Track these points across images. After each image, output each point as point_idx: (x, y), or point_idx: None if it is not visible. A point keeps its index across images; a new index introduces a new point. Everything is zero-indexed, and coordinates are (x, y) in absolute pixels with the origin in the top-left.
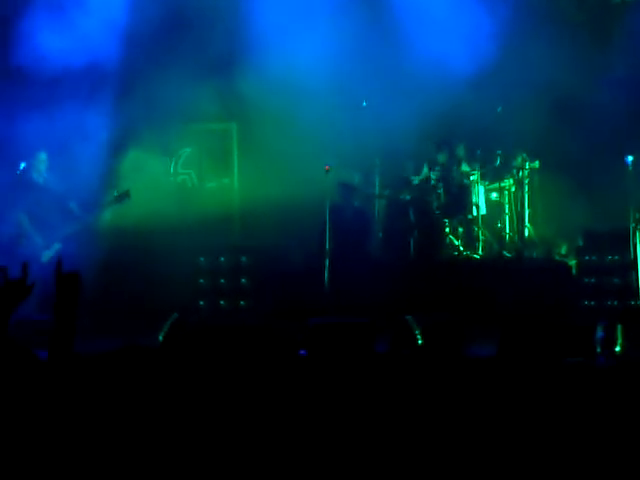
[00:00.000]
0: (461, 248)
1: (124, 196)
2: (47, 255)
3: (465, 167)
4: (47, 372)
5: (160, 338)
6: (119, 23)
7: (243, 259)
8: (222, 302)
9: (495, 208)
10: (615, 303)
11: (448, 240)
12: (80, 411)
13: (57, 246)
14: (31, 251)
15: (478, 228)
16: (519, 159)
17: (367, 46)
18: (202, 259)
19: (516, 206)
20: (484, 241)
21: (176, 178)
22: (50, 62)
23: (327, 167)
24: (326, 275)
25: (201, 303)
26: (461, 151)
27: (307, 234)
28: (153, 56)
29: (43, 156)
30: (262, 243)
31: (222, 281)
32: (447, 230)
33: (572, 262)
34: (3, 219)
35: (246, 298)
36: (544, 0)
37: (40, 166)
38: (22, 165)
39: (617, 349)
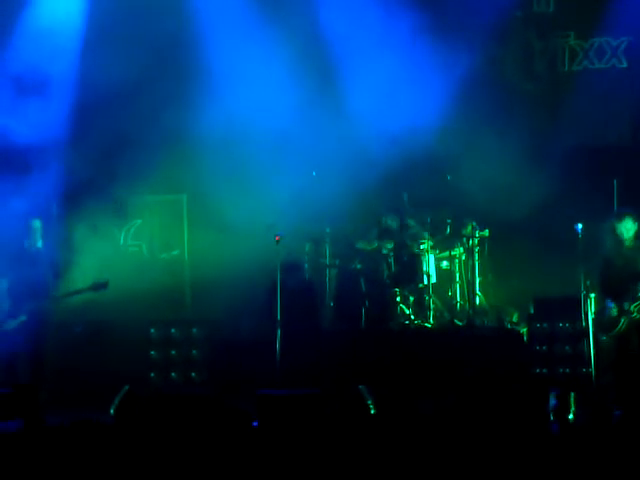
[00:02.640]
0: (412, 317)
1: (101, 286)
2: (10, 324)
3: (415, 235)
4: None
5: (111, 411)
6: (69, 97)
7: (194, 331)
8: (173, 374)
9: (446, 276)
10: (567, 371)
11: (399, 309)
12: None
13: (22, 318)
14: None
15: (429, 297)
16: (469, 227)
17: (316, 116)
18: (153, 331)
19: (467, 274)
20: (435, 310)
21: (127, 250)
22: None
23: (277, 237)
24: (278, 346)
25: (152, 375)
26: (411, 220)
27: (258, 305)
28: (104, 128)
29: (37, 223)
30: (213, 314)
31: (173, 353)
32: (398, 299)
33: (523, 330)
34: None
35: (197, 370)
36: (491, 69)
37: (34, 234)
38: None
39: (570, 417)
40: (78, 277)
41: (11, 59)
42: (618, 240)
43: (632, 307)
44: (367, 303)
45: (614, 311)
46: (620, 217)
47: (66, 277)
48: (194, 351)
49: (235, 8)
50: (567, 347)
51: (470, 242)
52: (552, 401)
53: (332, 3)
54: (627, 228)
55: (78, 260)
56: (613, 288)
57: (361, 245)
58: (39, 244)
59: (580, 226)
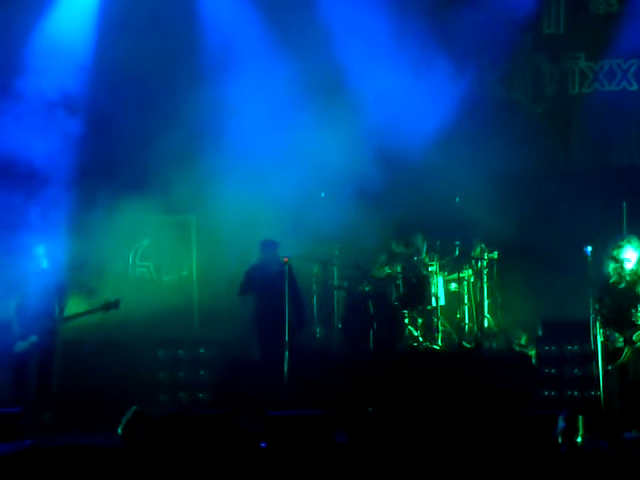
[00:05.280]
0: (420, 339)
1: (112, 306)
2: (21, 346)
3: (424, 258)
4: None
5: (119, 431)
6: (77, 115)
7: (202, 351)
8: (181, 395)
9: (454, 298)
10: (575, 393)
11: (407, 331)
12: None
13: (33, 338)
14: (7, 339)
15: (437, 319)
16: (478, 249)
17: (324, 136)
18: (161, 352)
19: (475, 296)
20: (443, 332)
21: (134, 270)
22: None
23: (286, 259)
24: (285, 367)
25: (160, 396)
26: (420, 242)
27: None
28: (111, 147)
29: (41, 250)
30: (221, 335)
31: (181, 374)
32: (406, 321)
33: (532, 352)
34: None
35: (205, 391)
36: (501, 91)
37: (38, 260)
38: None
39: (578, 440)
40: (85, 297)
41: (21, 75)
42: (619, 267)
43: (635, 336)
44: (375, 325)
45: (619, 342)
46: (621, 243)
47: (73, 297)
48: (202, 372)
49: (245, 30)
50: (576, 370)
51: (479, 264)
52: (561, 423)
53: (342, 19)
54: (628, 255)
55: (85, 281)
56: (614, 316)
57: (374, 271)
58: (44, 265)
59: (590, 248)
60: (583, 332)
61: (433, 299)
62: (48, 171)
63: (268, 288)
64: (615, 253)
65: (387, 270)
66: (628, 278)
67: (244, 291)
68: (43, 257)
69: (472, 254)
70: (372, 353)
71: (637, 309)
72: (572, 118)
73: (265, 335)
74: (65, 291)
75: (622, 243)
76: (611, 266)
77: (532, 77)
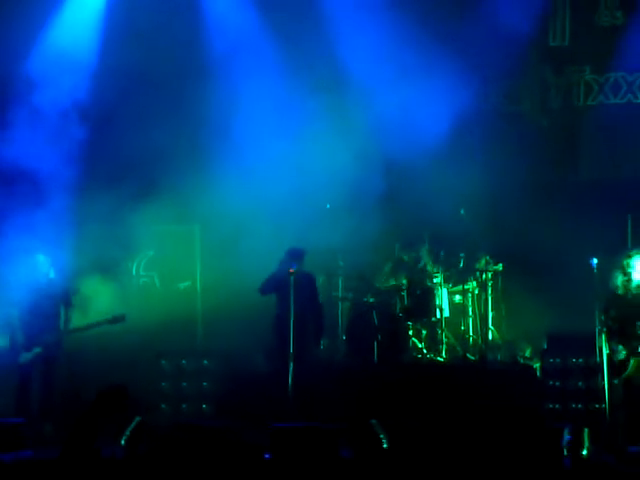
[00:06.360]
0: (424, 351)
1: (119, 319)
2: (25, 357)
3: (429, 269)
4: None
5: (122, 442)
6: (80, 125)
7: (205, 362)
8: (184, 406)
9: (458, 310)
10: (580, 406)
11: (411, 343)
12: None
13: (37, 350)
14: (10, 349)
15: (441, 331)
16: (482, 261)
17: (330, 148)
18: (164, 362)
19: (479, 309)
20: (447, 344)
21: (139, 280)
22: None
23: (291, 270)
24: (290, 379)
25: (163, 407)
26: (425, 253)
27: (271, 337)
28: (115, 157)
29: (41, 258)
30: (225, 346)
31: (184, 385)
32: (410, 333)
33: (536, 365)
34: None
35: (209, 402)
36: (507, 104)
37: (41, 268)
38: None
39: (584, 452)
40: (90, 308)
41: (27, 86)
42: (627, 280)
43: None
44: (379, 337)
45: (622, 354)
46: (630, 256)
47: (78, 308)
48: (205, 383)
49: (250, 35)
50: (580, 383)
51: (483, 276)
52: (566, 436)
53: (346, 29)
54: (637, 267)
55: (89, 291)
56: (620, 328)
57: (378, 283)
58: (51, 275)
59: (595, 261)
60: (588, 345)
61: (437, 311)
62: (53, 179)
63: (285, 297)
64: (625, 263)
65: (392, 281)
66: (634, 291)
67: (263, 289)
68: (49, 267)
69: (477, 266)
70: (376, 365)
71: None
72: (578, 131)
73: (282, 344)
74: (71, 302)
75: (632, 253)
76: (619, 278)
77: (538, 89)
